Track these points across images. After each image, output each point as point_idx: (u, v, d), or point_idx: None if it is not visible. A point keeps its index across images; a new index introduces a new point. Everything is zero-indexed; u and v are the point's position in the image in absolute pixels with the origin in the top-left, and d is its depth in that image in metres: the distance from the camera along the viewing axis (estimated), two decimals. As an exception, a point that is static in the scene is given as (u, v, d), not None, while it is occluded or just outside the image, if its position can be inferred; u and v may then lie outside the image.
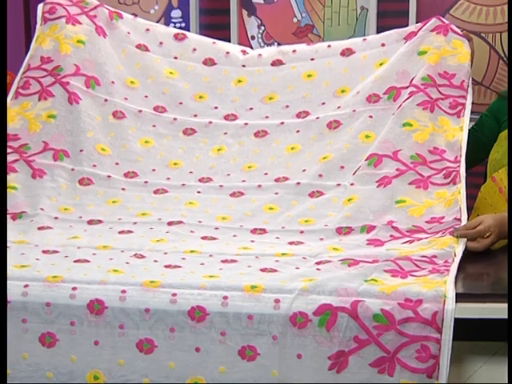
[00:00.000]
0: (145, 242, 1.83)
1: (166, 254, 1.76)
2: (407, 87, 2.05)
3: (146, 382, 1.56)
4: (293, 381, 1.53)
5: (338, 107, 2.09)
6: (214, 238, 1.87)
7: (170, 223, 1.92)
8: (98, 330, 1.57)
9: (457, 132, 1.99)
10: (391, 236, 1.82)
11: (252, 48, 2.45)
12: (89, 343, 1.57)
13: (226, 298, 1.55)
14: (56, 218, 1.96)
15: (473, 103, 2.05)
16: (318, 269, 1.66)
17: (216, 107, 2.17)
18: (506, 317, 1.54)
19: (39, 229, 1.91)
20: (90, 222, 1.95)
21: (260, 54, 2.25)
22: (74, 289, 1.59)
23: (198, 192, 2.02)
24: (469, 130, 2.03)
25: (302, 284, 1.56)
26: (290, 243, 1.87)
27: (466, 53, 2.10)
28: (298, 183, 1.99)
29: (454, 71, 2.06)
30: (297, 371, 1.53)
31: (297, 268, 1.67)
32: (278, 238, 1.90)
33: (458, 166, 1.95)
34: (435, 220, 1.85)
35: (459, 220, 1.83)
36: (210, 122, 2.14)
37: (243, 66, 2.21)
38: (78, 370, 1.57)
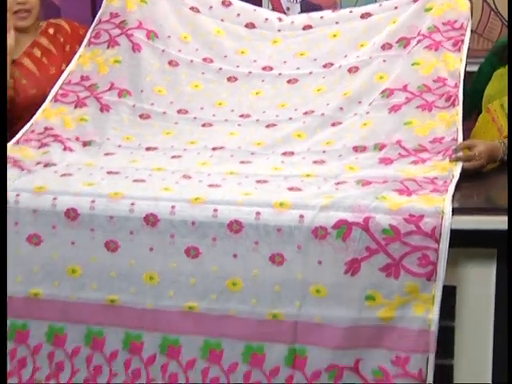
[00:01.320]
0: (192, 165, 1.87)
1: (209, 175, 1.80)
2: (415, 37, 2.07)
3: (193, 282, 1.63)
4: (314, 282, 1.58)
5: (357, 56, 2.12)
6: (250, 162, 1.90)
7: (213, 149, 1.97)
8: (152, 238, 1.63)
9: (457, 63, 2.01)
10: (399, 154, 1.84)
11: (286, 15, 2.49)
12: (145, 249, 1.64)
13: (258, 213, 1.61)
14: (119, 145, 2.01)
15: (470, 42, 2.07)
16: (336, 188, 1.69)
17: (255, 60, 2.20)
18: (495, 228, 1.57)
19: (105, 155, 1.96)
20: (147, 149, 2.00)
21: (293, 21, 2.29)
22: (132, 204, 1.65)
23: (239, 125, 2.05)
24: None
25: (323, 201, 1.61)
26: (314, 162, 1.89)
27: (466, 4, 2.11)
28: (322, 114, 2.01)
29: (455, 18, 2.07)
30: (317, 274, 1.59)
31: (318, 187, 1.71)
32: (303, 158, 1.92)
33: (457, 91, 1.96)
34: (437, 140, 1.87)
35: (456, 140, 1.85)
36: (250, 72, 2.17)
37: (279, 30, 2.25)
38: (136, 272, 1.64)
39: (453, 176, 1.72)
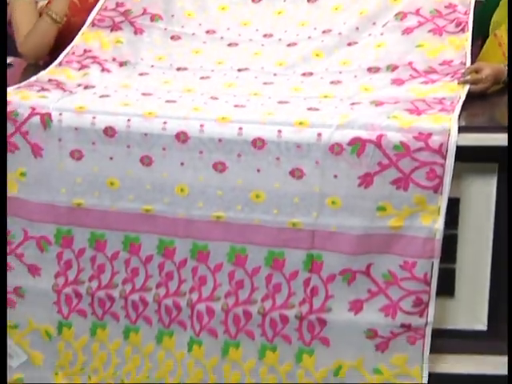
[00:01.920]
0: (219, 86, 1.90)
1: (234, 96, 1.83)
2: None
3: (220, 194, 1.67)
4: (330, 194, 1.63)
5: None
6: (272, 83, 1.92)
7: (239, 70, 1.99)
8: (183, 154, 1.67)
9: None
10: (410, 76, 1.85)
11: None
12: (176, 164, 1.68)
13: (280, 131, 1.64)
14: (152, 66, 2.02)
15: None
16: (351, 108, 1.71)
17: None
18: (496, 144, 1.61)
19: (139, 75, 1.98)
20: (178, 69, 2.01)
21: None
22: (164, 123, 1.68)
23: (262, 45, 2.05)
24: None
25: (339, 120, 1.63)
26: (331, 82, 1.90)
27: None
28: (340, 33, 2.00)
29: None
30: (333, 187, 1.63)
31: (335, 107, 1.73)
32: (322, 78, 1.93)
33: (467, 18, 1.95)
34: (446, 63, 1.87)
35: (464, 64, 1.86)
36: None
37: (284, 0, 2.17)
38: (169, 184, 1.69)
39: (459, 97, 1.73)
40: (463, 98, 1.73)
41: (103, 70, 2.00)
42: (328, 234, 1.65)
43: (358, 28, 2.01)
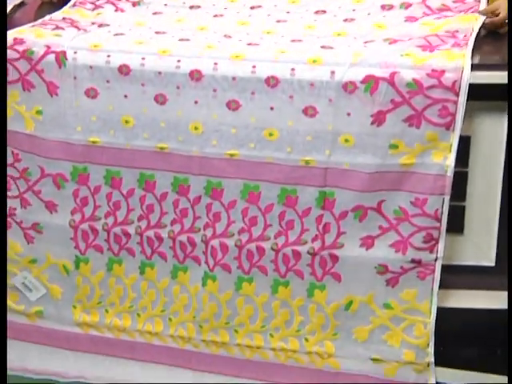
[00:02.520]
0: (232, 24, 1.90)
1: (248, 34, 1.83)
2: None
3: (234, 132, 1.66)
4: (343, 132, 1.63)
5: None
6: (286, 21, 1.91)
7: (251, 7, 1.98)
8: (197, 92, 1.67)
9: None
10: (424, 13, 1.83)
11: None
12: (190, 102, 1.69)
13: (293, 69, 1.63)
14: (166, 4, 2.03)
15: None
16: (365, 46, 1.71)
17: None
18: (507, 82, 1.59)
19: (153, 14, 1.99)
20: (191, 7, 2.01)
21: None
22: (178, 61, 1.69)
23: None
24: None
25: (353, 58, 1.62)
26: (345, 20, 1.89)
27: None
28: None
29: None
30: (346, 125, 1.63)
31: (348, 46, 1.72)
32: (335, 16, 1.92)
33: None
34: (460, 0, 1.86)
35: (479, 1, 1.84)
36: None
37: None
38: (183, 122, 1.70)
39: (473, 29, 1.71)
40: (476, 30, 1.71)
41: (117, 9, 2.00)
42: (340, 172, 1.66)
43: None
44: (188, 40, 1.79)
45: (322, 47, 1.72)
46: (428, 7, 1.86)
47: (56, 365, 1.93)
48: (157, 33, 1.84)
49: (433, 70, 1.58)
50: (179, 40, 1.78)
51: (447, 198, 1.64)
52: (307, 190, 1.69)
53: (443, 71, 1.58)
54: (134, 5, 2.03)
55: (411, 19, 1.83)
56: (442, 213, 1.65)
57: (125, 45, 1.75)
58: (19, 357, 1.95)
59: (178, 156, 1.73)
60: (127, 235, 1.81)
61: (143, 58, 1.70)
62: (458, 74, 1.58)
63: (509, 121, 1.63)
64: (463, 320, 1.75)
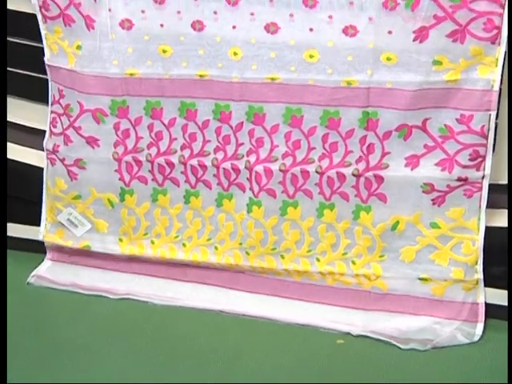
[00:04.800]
0: None
1: None
2: None
3: (273, 56, 1.65)
4: (385, 50, 1.60)
5: None
6: None
7: None
8: (234, 16, 1.65)
9: None
10: None
11: None
12: (228, 27, 1.66)
13: None
14: None
15: None
16: None
17: None
18: None
19: None
20: None
21: None
22: None
23: None
24: None
25: None
26: None
27: None
28: None
29: None
30: (388, 42, 1.60)
31: None
32: None
33: None
34: None
35: None
36: None
37: None
38: (222, 48, 1.68)
39: None
40: None
41: None
42: (383, 91, 1.63)
43: None
44: None
45: None
46: None
47: (105, 283, 1.94)
48: None
49: None
50: None
51: (494, 113, 1.61)
52: (350, 111, 1.67)
53: None
54: None
55: None
56: (488, 129, 1.62)
57: None
58: (69, 275, 1.97)
59: (219, 83, 1.72)
60: (171, 165, 1.81)
61: None
62: None
63: (509, 119, 1.60)
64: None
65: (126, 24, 1.72)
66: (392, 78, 1.62)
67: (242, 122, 1.74)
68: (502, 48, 1.57)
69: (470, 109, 1.62)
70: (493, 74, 1.59)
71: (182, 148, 1.80)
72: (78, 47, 1.78)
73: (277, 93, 1.69)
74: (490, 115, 1.61)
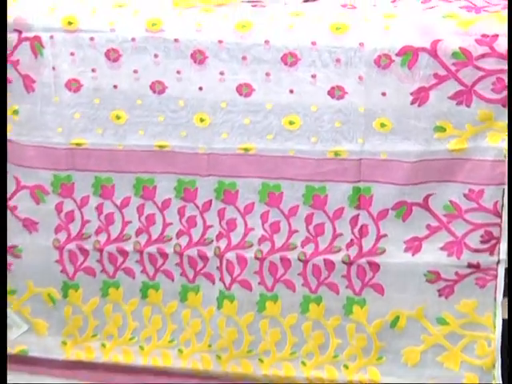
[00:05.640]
0: None
1: None
2: None
3: (247, 122, 1.48)
4: (378, 115, 1.43)
5: None
6: None
7: None
8: (200, 76, 1.47)
9: None
10: None
11: None
12: (193, 89, 1.48)
13: (314, 42, 1.42)
14: None
15: None
16: (394, 6, 1.50)
17: None
18: None
19: None
20: None
21: None
22: (175, 40, 1.47)
23: None
24: None
25: (383, 23, 1.42)
26: None
27: None
28: None
29: None
30: (381, 106, 1.44)
31: (374, 5, 1.51)
32: None
33: None
34: None
35: None
36: None
37: None
38: (186, 113, 1.50)
39: None
40: None
41: None
42: (377, 163, 1.46)
43: None
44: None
45: (343, 6, 1.51)
46: None
47: None
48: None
49: (483, 35, 1.38)
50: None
51: (507, 187, 1.43)
52: (338, 186, 1.49)
53: (496, 36, 1.37)
54: None
55: None
56: (502, 205, 1.45)
57: (103, 16, 1.51)
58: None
59: (182, 154, 1.53)
60: (124, 253, 1.60)
61: (133, 39, 1.48)
62: None
63: (509, 124, 1.43)
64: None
65: (73, 85, 1.53)
66: (387, 147, 1.45)
67: (211, 201, 1.54)
68: (516, 111, 1.42)
69: (479, 183, 1.45)
70: (505, 142, 1.43)
71: (138, 233, 1.59)
72: (15, 112, 1.57)
73: (251, 166, 1.51)
74: (504, 190, 1.44)
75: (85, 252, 1.62)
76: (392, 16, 1.44)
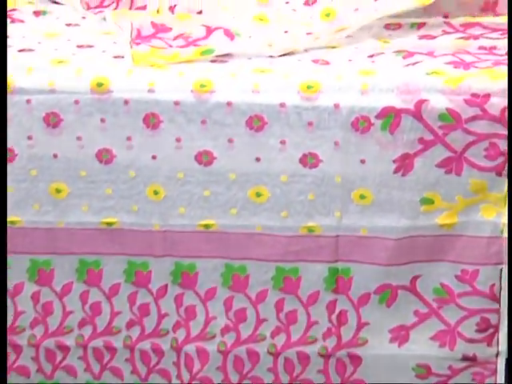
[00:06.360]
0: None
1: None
2: None
3: (207, 195, 1.35)
4: (357, 186, 1.33)
5: None
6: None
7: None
8: (154, 142, 1.34)
9: None
10: (443, 31, 1.52)
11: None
12: (147, 157, 1.35)
13: (283, 104, 1.30)
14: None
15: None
16: (372, 61, 1.39)
17: None
18: None
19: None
20: None
21: None
22: (126, 102, 1.33)
23: None
24: None
25: (361, 82, 1.30)
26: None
27: None
28: None
29: None
30: (360, 176, 1.33)
31: (349, 60, 1.40)
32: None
33: None
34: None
35: None
36: None
37: None
38: (138, 185, 1.38)
39: None
40: None
41: (13, 21, 1.62)
42: (357, 240, 1.36)
43: None
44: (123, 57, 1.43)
45: (315, 61, 1.39)
46: (448, 24, 1.53)
47: None
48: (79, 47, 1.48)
49: (473, 95, 1.28)
50: (114, 57, 1.42)
51: (506, 268, 1.34)
52: (312, 267, 1.39)
53: (487, 95, 1.27)
54: (36, 14, 1.67)
55: (427, 37, 1.50)
56: (500, 289, 1.35)
57: (41, 75, 1.37)
58: None
59: (133, 232, 1.40)
60: (64, 349, 1.45)
61: (76, 102, 1.33)
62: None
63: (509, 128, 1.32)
64: None
65: (8, 154, 1.38)
66: (368, 222, 1.35)
67: (166, 286, 1.41)
68: (512, 179, 1.33)
69: (473, 262, 1.36)
70: (501, 216, 1.33)
71: (81, 324, 1.44)
72: None
73: (213, 245, 1.39)
74: (502, 270, 1.34)
75: (18, 348, 1.47)
76: (370, 73, 1.33)
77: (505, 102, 1.27)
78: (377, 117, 1.30)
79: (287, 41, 1.51)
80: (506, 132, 1.29)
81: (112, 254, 1.42)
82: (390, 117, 1.29)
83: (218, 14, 1.60)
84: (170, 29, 1.59)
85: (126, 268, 1.42)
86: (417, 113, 1.29)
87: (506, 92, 1.28)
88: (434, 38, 1.50)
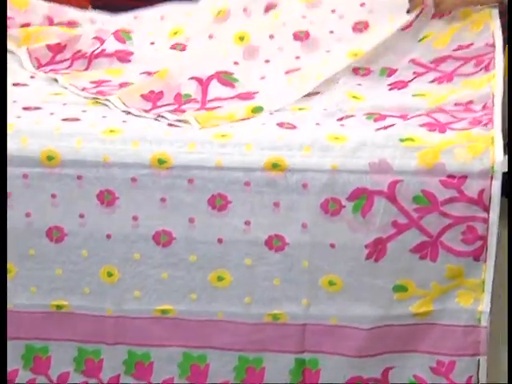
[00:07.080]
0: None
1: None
2: None
3: (165, 278, 1.28)
4: (326, 272, 1.27)
5: None
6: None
7: None
8: (109, 222, 1.27)
9: None
10: (414, 73, 1.46)
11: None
12: (100, 237, 1.28)
13: (247, 183, 1.23)
14: None
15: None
16: (341, 125, 1.32)
17: None
18: None
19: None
20: None
21: None
22: (79, 177, 1.25)
23: None
24: None
25: (331, 162, 1.23)
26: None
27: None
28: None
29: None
30: (330, 261, 1.27)
31: (317, 124, 1.33)
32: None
33: None
34: (463, 47, 1.48)
35: (492, 46, 1.45)
36: None
37: None
38: (90, 266, 1.29)
39: (493, 95, 1.33)
40: (499, 95, 1.33)
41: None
42: (325, 329, 1.32)
43: None
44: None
45: (280, 125, 1.31)
46: (418, 64, 1.46)
47: None
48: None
49: (449, 176, 1.22)
50: (63, 120, 1.31)
51: (484, 359, 1.29)
52: (278, 357, 1.33)
53: (464, 177, 1.22)
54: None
55: (398, 85, 1.44)
56: (477, 382, 1.29)
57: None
58: None
59: (84, 317, 1.33)
60: None
61: (25, 176, 1.26)
62: (487, 181, 1.22)
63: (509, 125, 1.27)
64: None
65: None
66: (337, 310, 1.31)
67: (118, 376, 1.34)
68: (490, 266, 1.24)
69: (449, 353, 1.31)
70: (479, 304, 1.27)
71: None
72: None
73: (170, 332, 1.33)
74: (479, 361, 1.28)
75: None
76: (339, 139, 1.25)
77: (482, 184, 1.22)
78: (348, 199, 1.24)
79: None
80: (484, 214, 1.23)
81: (61, 339, 1.34)
82: (362, 199, 1.24)
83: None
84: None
85: (76, 356, 1.35)
86: (390, 194, 1.23)
87: (485, 172, 1.22)
88: (407, 84, 1.44)
